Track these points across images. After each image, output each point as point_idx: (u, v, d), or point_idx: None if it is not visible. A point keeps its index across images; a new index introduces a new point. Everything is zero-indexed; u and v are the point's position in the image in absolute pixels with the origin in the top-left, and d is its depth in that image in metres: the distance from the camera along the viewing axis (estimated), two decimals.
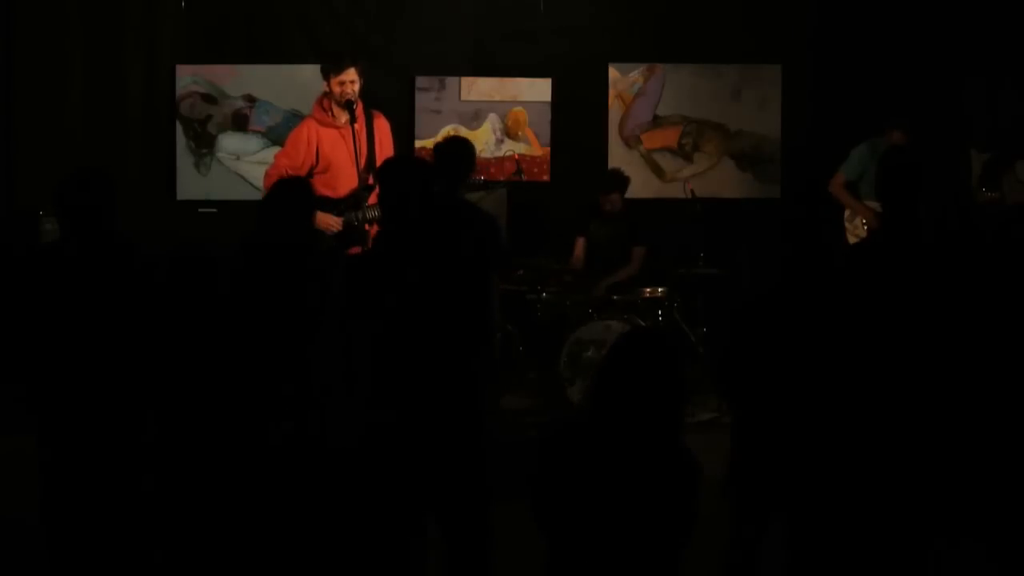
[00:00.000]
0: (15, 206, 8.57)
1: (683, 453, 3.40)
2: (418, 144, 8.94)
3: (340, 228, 6.81)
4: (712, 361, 6.56)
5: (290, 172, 6.81)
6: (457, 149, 6.04)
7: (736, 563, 4.53)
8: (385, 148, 6.97)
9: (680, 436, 3.42)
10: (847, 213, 8.17)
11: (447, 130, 8.93)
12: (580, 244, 8.50)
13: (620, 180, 8.43)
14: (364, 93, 6.96)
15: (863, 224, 7.97)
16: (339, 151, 6.91)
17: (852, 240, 8.01)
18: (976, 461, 4.38)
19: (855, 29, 9.05)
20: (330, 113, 6.94)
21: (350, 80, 6.83)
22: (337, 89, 6.85)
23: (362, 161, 6.76)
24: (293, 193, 5.01)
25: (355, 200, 6.81)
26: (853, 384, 4.32)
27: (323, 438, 4.48)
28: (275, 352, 4.38)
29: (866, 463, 4.32)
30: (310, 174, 6.92)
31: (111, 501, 4.42)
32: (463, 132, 8.85)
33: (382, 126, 7.02)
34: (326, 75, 6.91)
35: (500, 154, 9.01)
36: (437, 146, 6.25)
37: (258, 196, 7.85)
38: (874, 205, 7.78)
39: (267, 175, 6.98)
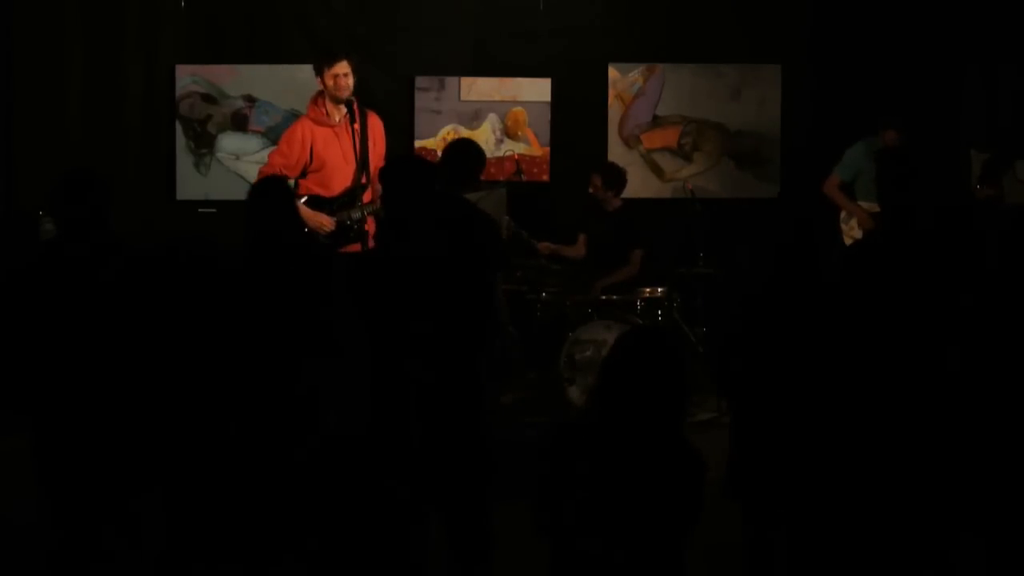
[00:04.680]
0: (15, 206, 8.57)
1: (687, 448, 3.44)
2: (418, 144, 8.94)
3: (333, 227, 6.81)
4: (713, 360, 6.56)
5: (284, 171, 6.82)
6: (464, 150, 5.99)
7: (754, 562, 4.54)
8: (378, 147, 6.97)
9: (683, 431, 3.45)
10: (843, 214, 8.17)
11: (447, 130, 8.94)
12: (582, 240, 8.52)
13: (607, 168, 8.40)
14: (361, 92, 6.96)
15: (858, 225, 7.97)
16: (333, 150, 6.91)
17: (848, 241, 8.01)
18: (974, 459, 4.38)
19: (854, 29, 9.05)
20: (324, 111, 6.95)
21: (343, 73, 6.82)
22: (331, 83, 6.84)
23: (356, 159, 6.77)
24: (274, 189, 4.99)
25: (349, 198, 6.81)
26: (851, 384, 4.33)
27: (328, 436, 4.48)
28: (277, 352, 4.38)
29: (864, 463, 4.33)
30: (304, 173, 6.93)
31: (110, 501, 4.42)
32: (463, 132, 8.86)
33: (375, 124, 7.02)
34: (319, 71, 6.90)
35: (500, 154, 9.01)
36: (447, 146, 6.20)
37: None
38: (867, 206, 7.79)
39: (260, 173, 6.99)
